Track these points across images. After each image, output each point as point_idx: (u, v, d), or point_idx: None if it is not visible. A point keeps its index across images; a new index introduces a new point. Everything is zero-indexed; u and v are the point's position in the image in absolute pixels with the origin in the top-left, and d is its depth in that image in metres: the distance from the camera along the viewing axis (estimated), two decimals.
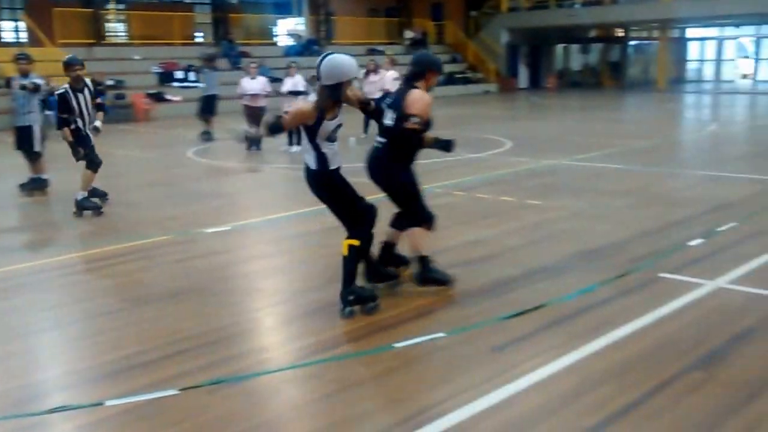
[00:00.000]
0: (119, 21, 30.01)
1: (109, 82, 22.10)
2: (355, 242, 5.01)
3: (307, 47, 30.16)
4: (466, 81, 32.88)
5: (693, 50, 39.94)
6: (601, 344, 4.39)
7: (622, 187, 9.61)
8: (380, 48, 30.86)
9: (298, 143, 13.80)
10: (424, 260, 5.45)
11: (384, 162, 5.32)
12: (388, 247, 5.65)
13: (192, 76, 25.11)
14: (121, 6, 30.13)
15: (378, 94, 14.98)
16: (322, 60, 4.78)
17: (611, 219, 7.76)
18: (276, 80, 17.14)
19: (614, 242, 6.77)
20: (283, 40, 33.37)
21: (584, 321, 4.80)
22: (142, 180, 11.37)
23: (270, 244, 7.31)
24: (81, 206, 8.49)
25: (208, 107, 15.98)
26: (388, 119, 5.25)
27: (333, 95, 4.76)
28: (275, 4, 36.81)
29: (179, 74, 25.20)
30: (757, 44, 37.64)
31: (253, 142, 14.16)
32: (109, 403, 3.82)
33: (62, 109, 8.48)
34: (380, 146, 5.34)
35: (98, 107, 8.89)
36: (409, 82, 5.28)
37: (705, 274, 5.67)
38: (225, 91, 17.71)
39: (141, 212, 8.69)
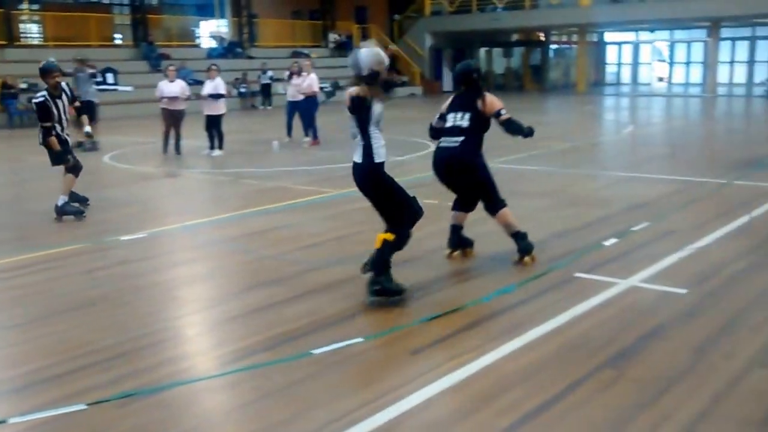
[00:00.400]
0: (33, 22, 29.06)
1: (23, 86, 21.35)
2: (390, 237, 5.15)
3: (229, 49, 29.82)
4: (392, 84, 33.00)
5: (611, 54, 41.13)
6: (517, 345, 4.44)
7: (542, 188, 9.79)
8: (305, 50, 30.75)
9: (220, 147, 13.62)
10: (520, 234, 6.23)
11: (467, 158, 6.03)
12: (456, 229, 6.40)
13: (110, 78, 24.48)
14: (35, 6, 29.18)
15: (300, 97, 14.92)
16: (355, 56, 4.99)
17: (531, 220, 7.84)
18: (198, 83, 16.87)
19: (533, 243, 6.86)
20: (206, 42, 32.90)
21: (501, 322, 4.85)
22: (54, 186, 10.97)
23: (188, 251, 7.15)
24: (62, 211, 8.27)
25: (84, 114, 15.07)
26: (464, 120, 6.04)
27: (372, 83, 4.96)
28: (197, 6, 36.30)
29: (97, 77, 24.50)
30: (672, 48, 39.03)
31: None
32: (12, 420, 3.65)
33: (43, 117, 8.19)
34: (457, 145, 6.01)
35: (80, 111, 8.73)
36: (473, 85, 6.18)
37: (618, 273, 5.81)
38: (147, 94, 17.33)
39: (52, 220, 8.38)
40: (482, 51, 38.18)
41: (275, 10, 35.70)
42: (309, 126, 14.92)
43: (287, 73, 16.05)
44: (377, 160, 5.06)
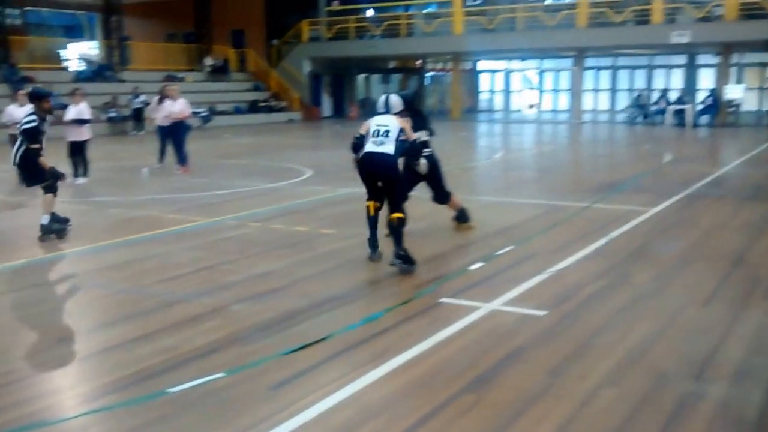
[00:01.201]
0: None
1: None
2: (402, 215, 6.93)
3: (99, 72, 28.84)
4: (270, 109, 32.88)
5: (484, 82, 42.53)
6: (380, 373, 4.43)
7: (413, 212, 9.86)
8: (179, 74, 30.14)
9: (85, 174, 13.07)
10: (464, 211, 8.66)
11: (437, 158, 8.32)
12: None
13: None
14: None
15: (167, 122, 14.59)
16: (387, 98, 7.39)
17: None
18: (63, 107, 16.14)
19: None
20: (74, 65, 31.64)
21: (366, 350, 4.83)
22: None
23: (42, 287, 6.76)
24: (47, 230, 8.37)
25: None
26: (426, 136, 7.98)
27: (403, 116, 7.26)
28: (65, 27, 34.99)
29: None
30: (541, 77, 40.79)
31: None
32: None
33: (34, 140, 8.29)
34: (432, 152, 8.11)
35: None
36: (417, 110, 8.02)
37: (482, 297, 5.92)
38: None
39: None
40: (361, 77, 38.62)
41: (149, 32, 34.90)
42: (179, 152, 14.58)
43: (157, 97, 15.63)
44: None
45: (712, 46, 29.64)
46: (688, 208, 10.05)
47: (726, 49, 28.51)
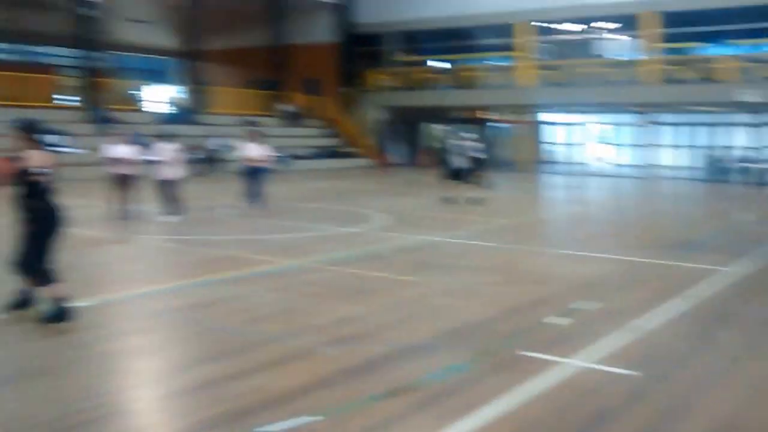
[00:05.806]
0: None
1: None
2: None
3: (181, 116, 29.90)
4: (342, 155, 33.45)
5: (556, 134, 42.39)
6: (467, 427, 4.42)
7: (489, 264, 9.93)
8: (255, 119, 31.01)
9: (174, 213, 13.47)
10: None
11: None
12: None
13: (56, 139, 24.17)
14: None
15: (255, 164, 15.18)
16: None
17: (478, 296, 7.97)
18: (145, 146, 16.82)
19: (481, 319, 6.93)
20: (153, 107, 33.07)
21: (452, 402, 4.83)
22: None
23: (134, 321, 6.97)
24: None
25: None
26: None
27: None
28: (149, 71, 36.49)
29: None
30: (612, 131, 40.45)
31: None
32: None
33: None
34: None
35: None
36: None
37: (564, 353, 5.87)
38: (93, 157, 17.21)
39: None
40: (435, 126, 38.95)
41: (230, 79, 36.16)
42: (257, 194, 15.09)
43: (241, 141, 16.12)
44: None
45: None
46: None
47: None
